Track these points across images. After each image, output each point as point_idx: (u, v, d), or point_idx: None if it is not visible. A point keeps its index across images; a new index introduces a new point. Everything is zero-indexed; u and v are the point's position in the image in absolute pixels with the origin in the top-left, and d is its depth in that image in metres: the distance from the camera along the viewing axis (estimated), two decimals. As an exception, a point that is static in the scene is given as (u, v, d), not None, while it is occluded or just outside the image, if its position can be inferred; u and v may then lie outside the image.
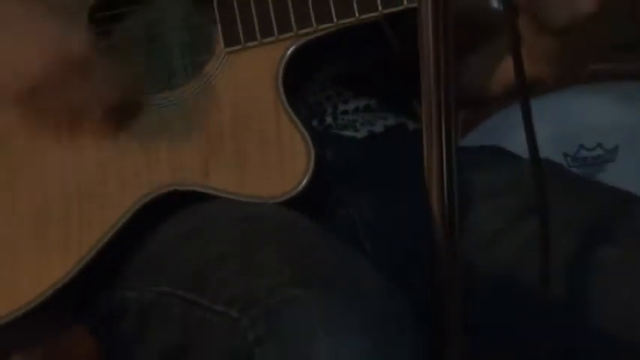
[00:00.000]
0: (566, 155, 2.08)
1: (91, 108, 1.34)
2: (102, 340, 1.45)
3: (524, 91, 1.13)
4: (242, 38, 1.33)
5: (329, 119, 1.45)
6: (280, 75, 1.34)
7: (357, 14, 1.32)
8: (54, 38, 1.34)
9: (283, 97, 1.34)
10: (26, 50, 1.35)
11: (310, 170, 1.32)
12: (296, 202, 1.31)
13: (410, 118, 1.50)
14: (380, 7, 1.31)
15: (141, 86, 1.36)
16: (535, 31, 1.29)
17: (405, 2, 1.30)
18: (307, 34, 1.33)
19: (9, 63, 1.35)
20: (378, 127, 1.49)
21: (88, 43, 1.32)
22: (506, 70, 1.41)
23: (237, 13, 1.35)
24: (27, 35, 1.37)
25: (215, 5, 1.35)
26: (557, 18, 1.27)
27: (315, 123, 1.40)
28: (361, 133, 1.46)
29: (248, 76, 1.36)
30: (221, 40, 1.34)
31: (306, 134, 1.32)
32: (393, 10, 1.31)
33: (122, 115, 1.38)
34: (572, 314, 1.30)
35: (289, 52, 1.34)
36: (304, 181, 1.31)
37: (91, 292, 1.38)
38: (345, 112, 1.48)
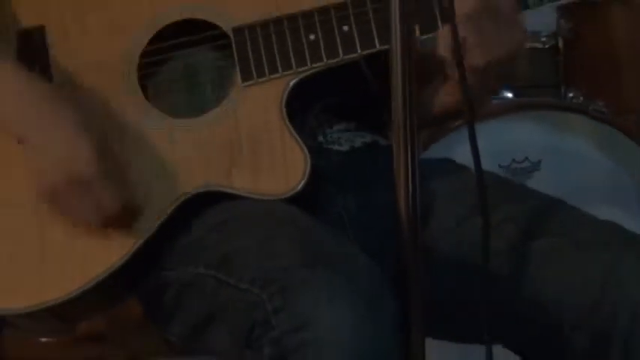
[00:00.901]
0: (500, 166, 2.22)
1: (90, 216, 1.44)
2: (148, 309, 1.55)
3: (471, 119, 1.30)
4: (255, 75, 1.45)
5: (320, 138, 1.55)
6: (284, 102, 1.45)
7: (341, 55, 1.45)
8: (66, 158, 1.43)
9: (286, 119, 1.45)
10: (41, 162, 1.45)
11: (307, 174, 1.43)
12: (297, 199, 1.41)
13: (381, 136, 1.60)
14: (359, 50, 1.44)
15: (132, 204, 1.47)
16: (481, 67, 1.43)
17: (378, 46, 1.44)
18: (304, 70, 1.45)
19: (29, 166, 1.46)
20: (357, 143, 1.58)
21: (94, 166, 1.43)
22: (447, 100, 1.60)
23: (250, 56, 1.47)
24: (46, 148, 1.45)
25: (235, 52, 1.47)
26: (475, 64, 1.43)
27: (310, 141, 1.48)
28: (344, 147, 1.57)
29: (260, 104, 1.47)
30: (239, 76, 1.45)
31: (304, 147, 1.43)
32: (369, 51, 1.45)
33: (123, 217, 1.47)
34: (512, 287, 1.41)
35: (291, 84, 1.46)
36: (302, 182, 1.42)
37: (140, 271, 1.48)
38: (332, 134, 1.59)
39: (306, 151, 1.44)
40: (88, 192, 1.41)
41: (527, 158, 2.29)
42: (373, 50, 1.43)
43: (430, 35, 1.45)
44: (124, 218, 1.45)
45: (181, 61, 1.53)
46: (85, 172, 1.41)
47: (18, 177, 1.49)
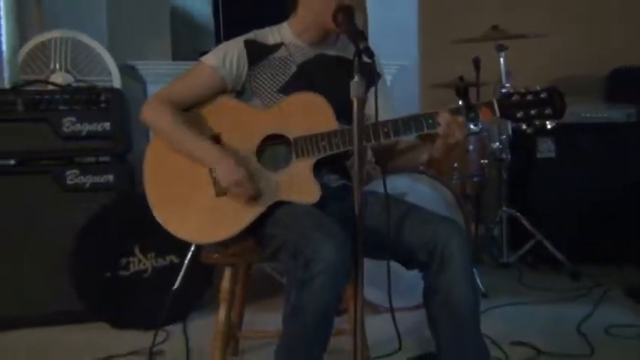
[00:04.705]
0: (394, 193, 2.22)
1: (244, 195, 1.43)
2: (257, 243, 1.50)
3: (384, 176, 1.40)
4: (303, 155, 1.47)
5: (325, 181, 1.51)
6: (312, 166, 1.48)
7: (334, 150, 1.45)
8: (232, 172, 1.41)
9: (312, 173, 1.47)
10: (223, 175, 1.42)
11: (319, 195, 1.46)
12: (315, 205, 1.44)
13: (349, 181, 1.56)
14: (346, 146, 1.42)
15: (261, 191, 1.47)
16: (442, 151, 1.41)
17: (348, 147, 1.43)
18: (320, 154, 1.46)
19: (224, 176, 1.42)
20: (339, 184, 1.58)
21: (249, 173, 1.43)
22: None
23: (300, 148, 1.47)
24: (224, 169, 1.42)
25: (293, 147, 1.47)
26: (449, 142, 1.38)
27: (320, 182, 1.45)
28: (334, 185, 1.56)
29: (302, 167, 1.47)
30: (294, 156, 1.48)
31: (318, 185, 1.46)
32: (346, 149, 1.44)
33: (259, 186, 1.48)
34: (396, 237, 1.39)
35: (315, 160, 1.47)
36: (318, 198, 1.45)
37: (253, 228, 1.46)
38: (329, 179, 1.55)
39: (319, 186, 1.48)
40: (241, 186, 1.43)
41: (404, 191, 2.31)
42: (350, 148, 1.44)
43: (373, 142, 1.44)
44: (253, 200, 1.46)
45: (271, 150, 1.54)
46: (239, 177, 1.42)
47: (203, 180, 1.49)
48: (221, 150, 1.49)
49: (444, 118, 1.37)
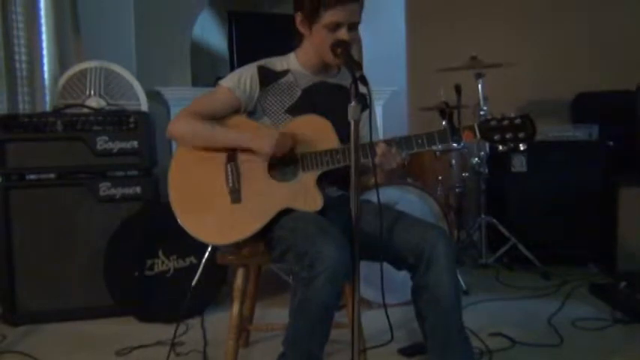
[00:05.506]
0: (386, 202, 2.18)
1: (288, 145, 1.45)
2: (267, 246, 1.49)
3: (377, 187, 1.35)
4: (308, 169, 1.48)
5: (327, 191, 1.52)
6: (316, 178, 1.48)
7: (335, 165, 1.46)
8: (270, 135, 1.44)
9: (316, 184, 1.48)
10: (261, 147, 1.44)
11: (322, 204, 1.46)
12: (318, 212, 1.44)
13: (347, 192, 1.48)
14: (346, 162, 1.44)
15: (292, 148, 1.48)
16: (381, 170, 1.43)
17: (347, 162, 1.43)
18: (323, 168, 1.46)
19: (263, 147, 1.44)
20: (339, 194, 1.59)
21: (284, 138, 1.45)
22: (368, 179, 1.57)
23: (306, 163, 1.48)
24: (259, 140, 1.44)
25: (300, 162, 1.48)
26: (386, 168, 1.41)
27: (322, 192, 1.46)
28: (334, 195, 1.57)
29: (307, 179, 1.47)
30: (301, 170, 1.49)
31: (321, 194, 1.47)
32: (347, 164, 1.44)
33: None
34: (388, 241, 1.39)
35: (319, 173, 1.48)
36: (320, 206, 1.46)
37: (263, 232, 1.46)
38: (330, 190, 1.56)
39: (322, 195, 1.49)
40: (281, 144, 1.43)
41: (395, 200, 2.31)
42: (348, 163, 1.41)
43: (367, 159, 1.43)
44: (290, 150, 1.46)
45: (281, 164, 1.52)
46: (272, 141, 1.42)
47: (220, 189, 1.48)
48: (248, 131, 1.49)
49: (379, 148, 1.40)
